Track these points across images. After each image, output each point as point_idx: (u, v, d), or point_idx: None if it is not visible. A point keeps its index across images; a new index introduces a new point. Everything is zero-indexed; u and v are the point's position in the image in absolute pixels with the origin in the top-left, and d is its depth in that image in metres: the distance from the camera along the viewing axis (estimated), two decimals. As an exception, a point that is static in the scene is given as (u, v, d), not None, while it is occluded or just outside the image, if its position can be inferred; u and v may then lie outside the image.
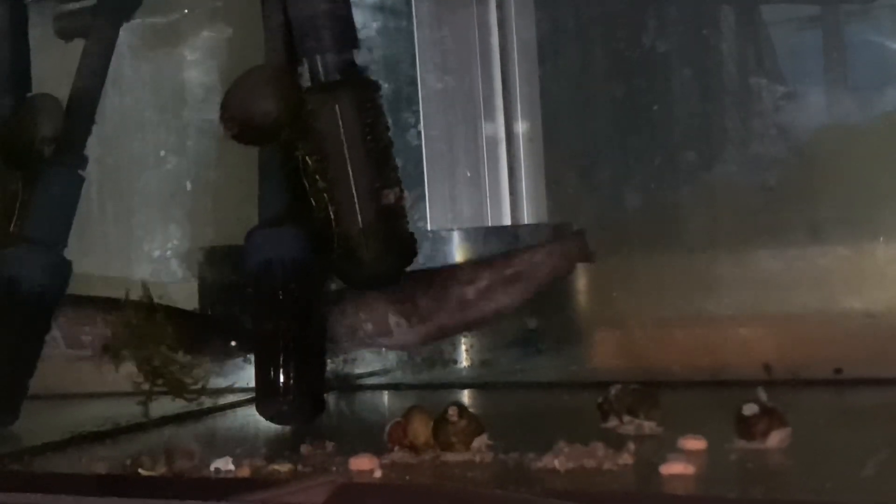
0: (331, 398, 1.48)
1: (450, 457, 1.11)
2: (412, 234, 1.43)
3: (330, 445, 1.20)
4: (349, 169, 1.39)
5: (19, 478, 1.19)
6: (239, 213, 1.54)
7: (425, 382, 1.68)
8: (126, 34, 1.68)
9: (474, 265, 1.57)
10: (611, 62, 1.72)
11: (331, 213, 1.39)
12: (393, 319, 1.49)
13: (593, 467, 1.03)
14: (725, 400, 1.22)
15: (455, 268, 1.59)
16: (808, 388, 1.45)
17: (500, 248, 1.74)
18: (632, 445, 1.07)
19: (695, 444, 1.09)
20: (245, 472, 1.11)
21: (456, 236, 1.77)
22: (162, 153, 1.94)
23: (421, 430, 1.13)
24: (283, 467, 1.11)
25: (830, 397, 1.44)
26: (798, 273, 1.55)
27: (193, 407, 1.53)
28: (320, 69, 1.41)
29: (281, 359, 1.36)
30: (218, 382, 1.58)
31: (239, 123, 1.42)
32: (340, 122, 1.39)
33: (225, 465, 1.12)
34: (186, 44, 1.93)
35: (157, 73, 1.95)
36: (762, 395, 1.10)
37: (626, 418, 1.20)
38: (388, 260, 1.41)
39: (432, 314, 1.49)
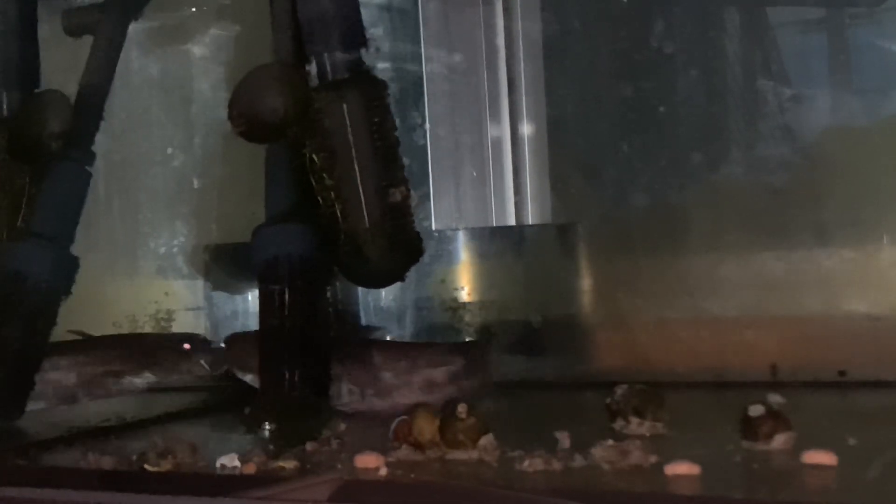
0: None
1: (455, 455, 1.11)
2: (418, 232, 1.44)
3: (335, 443, 1.20)
4: (356, 167, 1.39)
5: (26, 473, 1.19)
6: (245, 210, 1.55)
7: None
8: (134, 31, 1.69)
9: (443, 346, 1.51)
10: (617, 63, 1.72)
11: (337, 210, 1.39)
12: (346, 387, 1.43)
13: (599, 467, 1.04)
14: (730, 401, 1.22)
15: (426, 345, 1.53)
16: (812, 389, 1.45)
17: (505, 247, 1.75)
18: (637, 445, 1.07)
19: (823, 458, 1.03)
20: (251, 468, 1.11)
21: (461, 236, 1.77)
22: (169, 150, 1.94)
23: (426, 427, 1.13)
24: (289, 464, 1.12)
25: (834, 399, 1.45)
26: (803, 275, 1.55)
27: (199, 403, 1.53)
28: (328, 68, 1.41)
29: (286, 356, 1.36)
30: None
31: (246, 121, 1.42)
32: (348, 121, 1.39)
33: (231, 461, 1.12)
34: (194, 41, 1.94)
35: (165, 71, 1.96)
36: (773, 398, 1.11)
37: (634, 419, 1.20)
38: (393, 258, 1.41)
39: (393, 391, 1.43)
